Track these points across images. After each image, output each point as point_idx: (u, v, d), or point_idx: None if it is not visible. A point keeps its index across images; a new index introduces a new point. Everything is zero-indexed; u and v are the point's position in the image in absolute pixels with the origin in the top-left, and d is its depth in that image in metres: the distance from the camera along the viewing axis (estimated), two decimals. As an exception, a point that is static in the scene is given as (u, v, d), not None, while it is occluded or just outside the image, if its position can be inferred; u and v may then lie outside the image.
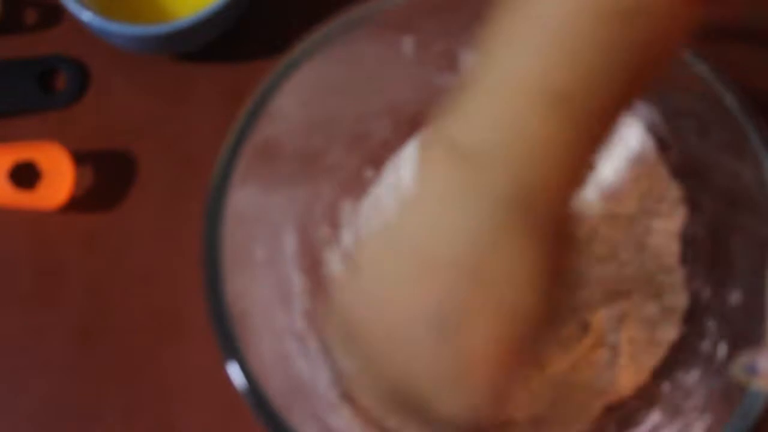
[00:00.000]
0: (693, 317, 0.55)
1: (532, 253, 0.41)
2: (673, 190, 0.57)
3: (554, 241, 0.42)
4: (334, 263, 0.58)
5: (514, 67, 0.41)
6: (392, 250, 0.43)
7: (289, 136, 0.55)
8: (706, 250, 0.56)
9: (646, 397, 0.55)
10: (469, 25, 0.53)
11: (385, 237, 0.43)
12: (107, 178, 0.64)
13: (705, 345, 0.53)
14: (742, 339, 0.51)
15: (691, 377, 0.53)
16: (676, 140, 0.57)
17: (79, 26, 0.63)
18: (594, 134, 0.42)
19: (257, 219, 0.55)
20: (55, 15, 0.67)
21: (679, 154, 0.57)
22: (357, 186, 0.60)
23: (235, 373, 0.48)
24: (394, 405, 0.45)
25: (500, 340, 0.41)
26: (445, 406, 0.43)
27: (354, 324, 0.44)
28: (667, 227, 0.57)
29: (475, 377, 0.42)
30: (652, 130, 0.58)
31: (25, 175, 0.62)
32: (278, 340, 0.54)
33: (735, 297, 0.52)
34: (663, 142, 0.57)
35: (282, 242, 0.56)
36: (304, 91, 0.54)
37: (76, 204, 0.63)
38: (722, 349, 0.52)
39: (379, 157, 0.60)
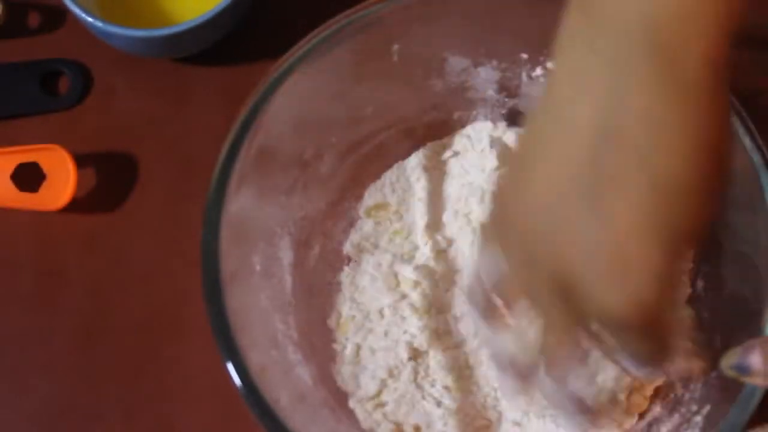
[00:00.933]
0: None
1: (680, 107, 0.37)
2: None
3: (709, 95, 0.37)
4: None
5: None
6: (540, 128, 0.40)
7: (283, 144, 0.56)
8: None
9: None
10: (456, 31, 0.54)
11: (536, 113, 0.41)
12: (109, 179, 0.64)
13: (702, 338, 0.53)
14: (736, 331, 0.51)
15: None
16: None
17: (82, 29, 0.64)
18: None
19: (253, 227, 0.55)
20: (58, 18, 0.68)
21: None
22: (351, 193, 0.61)
23: (235, 376, 0.48)
24: (552, 300, 0.41)
25: (654, 214, 0.38)
26: (606, 295, 0.39)
27: (513, 214, 0.42)
28: None
29: (631, 256, 0.38)
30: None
31: (28, 177, 0.63)
32: (277, 346, 0.54)
33: (728, 289, 0.53)
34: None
35: (278, 250, 0.57)
36: (296, 100, 0.54)
37: (77, 205, 0.63)
38: (717, 341, 0.52)
39: (372, 163, 0.61)
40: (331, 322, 0.58)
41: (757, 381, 0.45)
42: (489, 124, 0.60)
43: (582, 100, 0.38)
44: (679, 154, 0.37)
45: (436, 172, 0.60)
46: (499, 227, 0.43)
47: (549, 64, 0.55)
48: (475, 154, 0.60)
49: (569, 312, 0.41)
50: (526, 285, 0.43)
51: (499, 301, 0.45)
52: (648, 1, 0.37)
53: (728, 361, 0.45)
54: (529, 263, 0.42)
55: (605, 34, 0.38)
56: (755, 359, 0.44)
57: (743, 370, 0.45)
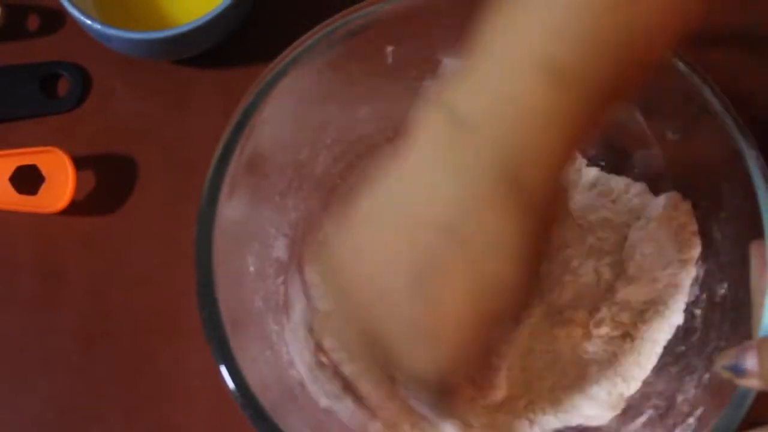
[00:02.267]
0: (684, 312, 0.56)
1: (515, 223, 0.42)
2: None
3: (540, 216, 0.43)
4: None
5: (516, 38, 0.42)
6: (382, 202, 0.44)
7: (277, 146, 0.56)
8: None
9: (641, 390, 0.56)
10: (449, 32, 0.54)
11: (377, 190, 0.44)
12: (108, 181, 0.65)
13: (694, 338, 0.54)
14: (730, 333, 0.51)
15: (683, 370, 0.53)
16: (658, 140, 0.57)
17: (81, 32, 0.64)
18: (588, 114, 0.42)
19: (247, 228, 0.55)
20: (57, 20, 0.68)
21: (662, 154, 0.57)
22: (345, 196, 0.60)
23: (228, 378, 0.49)
24: (361, 350, 0.46)
25: (472, 304, 0.42)
26: (411, 359, 0.44)
27: (339, 265, 0.45)
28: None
29: (443, 334, 0.43)
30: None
31: (27, 179, 0.63)
32: (271, 346, 0.54)
33: (722, 291, 0.53)
34: (645, 142, 0.58)
35: (272, 251, 0.57)
36: (290, 103, 0.54)
37: (77, 207, 0.63)
38: (712, 343, 0.52)
39: (367, 165, 0.60)
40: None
41: (751, 383, 0.45)
42: None
43: (434, 196, 0.42)
44: (506, 260, 0.42)
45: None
46: (324, 269, 0.47)
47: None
48: None
49: (377, 364, 0.46)
50: (339, 333, 0.48)
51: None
52: (505, 140, 0.41)
53: (722, 363, 0.46)
54: (346, 315, 0.46)
55: (466, 145, 0.42)
56: (750, 361, 0.45)
57: (738, 371, 0.45)
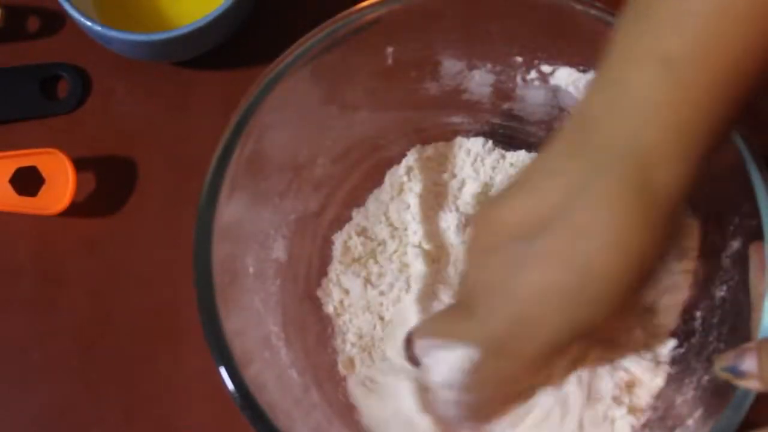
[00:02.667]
0: (683, 314, 0.55)
1: (630, 212, 0.43)
2: None
3: (663, 225, 0.44)
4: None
5: (639, 38, 0.43)
6: (523, 181, 0.47)
7: (276, 147, 0.56)
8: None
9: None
10: (449, 33, 0.54)
11: (526, 171, 0.47)
12: (108, 183, 0.65)
13: (694, 340, 0.54)
14: (729, 335, 0.51)
15: (682, 373, 0.53)
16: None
17: (81, 33, 0.64)
18: (710, 109, 0.42)
19: (247, 230, 0.55)
20: (57, 22, 0.68)
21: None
22: (345, 197, 0.61)
23: (227, 380, 0.49)
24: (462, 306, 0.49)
25: (569, 286, 0.44)
26: (497, 325, 0.46)
27: (483, 216, 0.49)
28: None
29: (535, 315, 0.45)
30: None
31: (27, 181, 0.63)
32: (270, 348, 0.54)
33: (721, 293, 0.53)
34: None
35: (272, 252, 0.57)
36: (289, 105, 0.54)
37: (77, 209, 0.63)
38: (711, 345, 0.52)
39: (366, 166, 0.61)
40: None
41: (751, 384, 0.45)
42: (481, 140, 0.61)
43: (556, 180, 0.45)
44: (616, 256, 0.43)
45: (429, 175, 0.60)
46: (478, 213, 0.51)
47: (543, 68, 0.56)
48: (467, 163, 0.61)
49: (461, 318, 0.48)
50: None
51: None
52: (629, 134, 0.43)
53: (722, 364, 0.46)
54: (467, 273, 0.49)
55: (592, 140, 0.44)
56: (749, 362, 0.45)
57: (737, 372, 0.45)
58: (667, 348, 0.55)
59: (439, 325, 0.50)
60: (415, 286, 0.57)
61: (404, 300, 0.58)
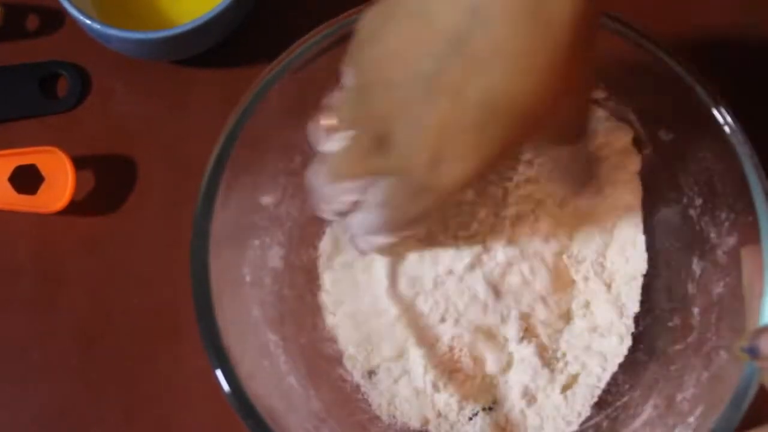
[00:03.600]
0: (681, 311, 0.56)
1: (531, 32, 0.41)
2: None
3: (564, 42, 0.42)
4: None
5: None
6: (405, 9, 0.44)
7: (271, 153, 0.55)
8: (687, 242, 0.56)
9: (640, 390, 0.56)
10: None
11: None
12: (107, 181, 0.65)
13: (692, 337, 0.54)
14: (728, 332, 0.51)
15: (682, 370, 0.53)
16: (649, 136, 0.57)
17: (80, 32, 0.64)
18: None
19: (242, 237, 0.55)
20: (57, 21, 0.68)
21: (653, 149, 0.57)
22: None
23: (224, 384, 0.49)
24: (368, 139, 0.46)
25: (475, 120, 0.43)
26: (412, 163, 0.45)
27: (366, 39, 0.46)
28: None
29: (443, 148, 0.44)
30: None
31: (27, 179, 0.63)
32: (268, 355, 0.54)
33: (719, 290, 0.53)
34: (637, 138, 0.58)
35: (267, 259, 0.57)
36: (286, 107, 0.54)
37: (76, 208, 0.63)
38: (710, 342, 0.52)
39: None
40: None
41: (765, 364, 0.45)
42: None
43: (449, 7, 0.42)
44: (520, 82, 0.42)
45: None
46: (355, 60, 0.47)
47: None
48: None
49: (373, 152, 0.46)
50: (355, 116, 0.48)
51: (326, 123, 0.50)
52: None
53: (740, 344, 0.46)
54: (365, 103, 0.46)
55: None
56: (765, 343, 0.44)
57: (753, 353, 0.45)
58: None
59: (346, 163, 0.49)
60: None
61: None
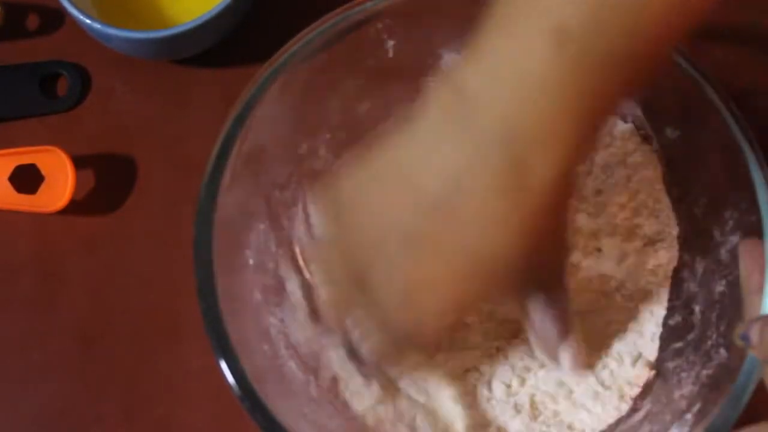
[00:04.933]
0: (682, 309, 0.56)
1: (509, 205, 0.42)
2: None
3: (543, 203, 0.43)
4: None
5: (520, 11, 0.41)
6: (389, 158, 0.45)
7: (277, 140, 0.55)
8: (691, 241, 0.56)
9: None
10: (450, 26, 0.54)
11: (387, 146, 0.46)
12: (108, 181, 0.65)
13: (692, 335, 0.54)
14: (728, 330, 0.51)
15: (681, 367, 0.53)
16: (658, 135, 0.57)
17: (80, 31, 0.64)
18: (597, 97, 0.41)
19: (247, 224, 0.55)
20: (57, 20, 0.68)
21: (660, 148, 0.57)
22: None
23: (227, 371, 0.49)
24: (347, 286, 0.48)
25: (453, 275, 0.45)
26: (391, 313, 0.47)
27: (345, 198, 0.47)
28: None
29: (421, 301, 0.46)
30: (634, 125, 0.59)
31: (27, 179, 0.63)
32: (269, 341, 0.54)
33: (720, 288, 0.53)
34: (644, 138, 0.58)
35: (271, 247, 0.57)
36: (290, 97, 0.54)
37: (76, 207, 0.63)
38: (709, 340, 0.52)
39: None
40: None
41: (756, 353, 0.45)
42: None
43: (435, 164, 0.43)
44: (496, 242, 0.43)
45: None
46: (333, 213, 0.48)
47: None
48: None
49: (353, 293, 0.47)
50: (331, 261, 0.49)
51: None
52: (511, 113, 0.41)
53: (737, 332, 0.46)
54: (339, 247, 0.48)
55: (472, 117, 0.42)
56: (756, 332, 0.44)
57: (746, 340, 0.45)
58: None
59: (329, 310, 0.50)
60: None
61: None
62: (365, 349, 0.49)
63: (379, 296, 0.46)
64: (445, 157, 0.43)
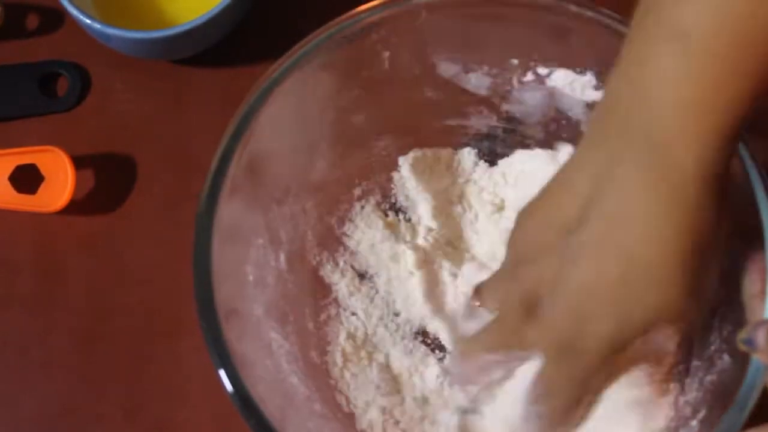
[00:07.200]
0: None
1: (662, 195, 0.43)
2: None
3: (697, 205, 0.43)
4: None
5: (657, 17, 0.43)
6: (552, 183, 0.48)
7: (274, 152, 0.55)
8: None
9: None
10: (445, 37, 0.54)
11: (551, 180, 0.49)
12: (107, 181, 0.65)
13: (696, 341, 0.54)
14: (730, 335, 0.51)
15: (684, 373, 0.53)
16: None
17: (80, 31, 0.64)
18: (742, 92, 0.42)
19: (246, 236, 0.55)
20: (57, 20, 0.68)
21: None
22: (343, 202, 0.60)
23: (227, 383, 0.49)
24: (513, 312, 0.49)
25: (611, 278, 0.45)
26: (559, 325, 0.47)
27: (519, 231, 0.50)
28: None
29: (592, 305, 0.46)
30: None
31: (26, 179, 0.63)
32: (270, 355, 0.54)
33: (722, 294, 0.53)
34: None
35: (271, 258, 0.56)
36: (288, 108, 0.54)
37: (76, 207, 0.63)
38: (712, 346, 0.52)
39: (364, 170, 0.61)
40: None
41: (761, 357, 0.45)
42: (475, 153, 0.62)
43: (583, 174, 0.46)
44: (642, 246, 0.44)
45: (428, 177, 0.61)
46: (511, 242, 0.51)
47: (540, 70, 0.56)
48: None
49: (523, 323, 0.48)
50: (505, 290, 0.50)
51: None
52: (654, 120, 0.43)
53: (740, 336, 0.46)
54: (515, 280, 0.49)
55: (615, 135, 0.44)
56: (761, 335, 0.44)
57: (750, 344, 0.45)
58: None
59: (495, 337, 0.50)
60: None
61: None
62: (548, 407, 0.49)
63: (547, 314, 0.47)
64: (592, 162, 0.45)
